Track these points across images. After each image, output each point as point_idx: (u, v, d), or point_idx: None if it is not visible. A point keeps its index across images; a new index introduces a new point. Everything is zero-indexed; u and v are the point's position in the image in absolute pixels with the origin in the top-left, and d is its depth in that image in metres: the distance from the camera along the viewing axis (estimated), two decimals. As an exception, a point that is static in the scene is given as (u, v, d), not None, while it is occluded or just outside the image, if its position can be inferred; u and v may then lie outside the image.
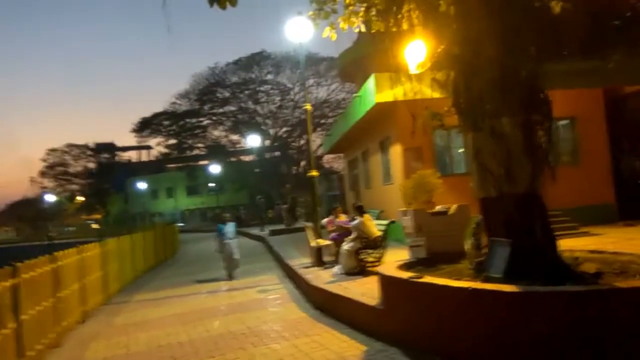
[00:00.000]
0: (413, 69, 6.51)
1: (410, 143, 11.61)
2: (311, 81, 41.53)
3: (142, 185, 56.52)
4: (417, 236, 6.55)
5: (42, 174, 62.50)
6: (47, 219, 61.51)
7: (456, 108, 5.04)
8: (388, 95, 11.29)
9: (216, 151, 49.22)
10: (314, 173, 10.72)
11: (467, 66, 4.93)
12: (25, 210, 65.40)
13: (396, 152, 12.76)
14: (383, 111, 12.63)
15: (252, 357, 5.34)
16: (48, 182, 62.90)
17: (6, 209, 72.80)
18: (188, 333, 6.82)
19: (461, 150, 12.71)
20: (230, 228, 11.84)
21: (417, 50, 6.49)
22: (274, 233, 22.29)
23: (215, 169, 48.00)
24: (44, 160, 62.51)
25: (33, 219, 62.06)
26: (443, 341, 4.50)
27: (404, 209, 7.19)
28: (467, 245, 5.87)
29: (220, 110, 48.90)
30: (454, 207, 6.78)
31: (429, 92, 5.87)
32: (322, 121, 42.88)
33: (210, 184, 55.44)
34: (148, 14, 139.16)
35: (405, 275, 5.07)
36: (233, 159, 50.21)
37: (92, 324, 8.37)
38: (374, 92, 11.95)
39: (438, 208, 6.94)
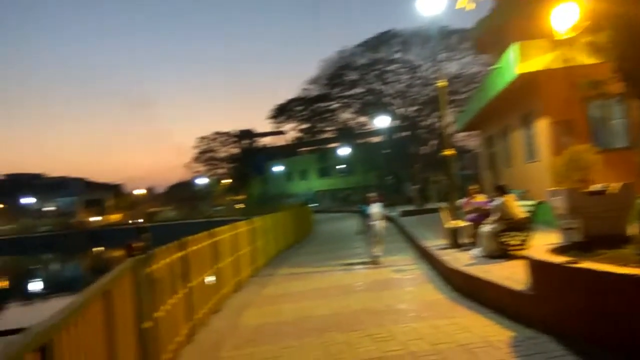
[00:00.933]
0: (562, 34, 5.89)
1: (559, 116, 10.57)
2: (442, 56, 39.87)
3: (278, 169, 60.27)
4: (571, 218, 5.98)
5: (194, 159, 70.01)
6: (199, 200, 69.19)
7: (621, 74, 4.45)
8: (533, 64, 10.37)
9: (345, 134, 50.27)
10: (450, 152, 10.36)
11: (635, 25, 4.31)
12: (182, 192, 74.24)
13: (542, 126, 11.72)
14: (526, 82, 11.65)
15: (392, 333, 5.44)
16: (199, 167, 70.27)
17: (167, 191, 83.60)
18: (328, 307, 7.18)
19: (619, 121, 11.19)
20: (375, 209, 11.14)
21: (567, 13, 5.86)
22: (404, 214, 22.16)
23: (344, 151, 49.05)
24: (195, 148, 69.92)
25: (188, 200, 70.16)
26: (602, 332, 4.11)
27: (554, 188, 6.61)
28: (633, 228, 5.21)
29: (349, 93, 49.61)
30: (615, 186, 6.03)
31: (582, 59, 5.28)
32: (454, 97, 41.03)
33: (340, 166, 56.92)
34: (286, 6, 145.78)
35: (559, 260, 4.69)
36: (362, 141, 50.78)
37: (244, 293, 9.24)
38: (516, 62, 11.07)
39: (595, 187, 6.24)
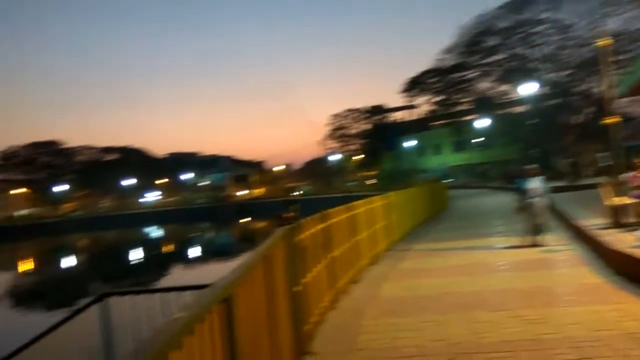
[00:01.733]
0: None
1: None
2: (601, 11, 34.97)
3: (410, 144, 59.28)
4: None
5: (327, 136, 72.29)
6: (333, 176, 71.63)
7: None
8: None
9: (483, 104, 47.20)
10: (613, 119, 9.14)
11: None
12: (317, 168, 77.52)
13: None
14: None
15: (545, 316, 5.08)
16: (332, 144, 72.43)
17: (303, 167, 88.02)
18: (471, 284, 6.95)
19: None
20: (535, 183, 9.73)
21: None
22: (555, 190, 20.24)
23: (482, 123, 46.19)
24: (328, 125, 72.06)
25: (323, 175, 73.04)
26: None
27: None
28: None
29: (488, 60, 46.26)
30: None
31: None
32: (616, 58, 35.76)
33: (477, 139, 53.89)
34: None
35: None
36: (502, 112, 47.27)
37: (381, 267, 9.39)
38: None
39: None
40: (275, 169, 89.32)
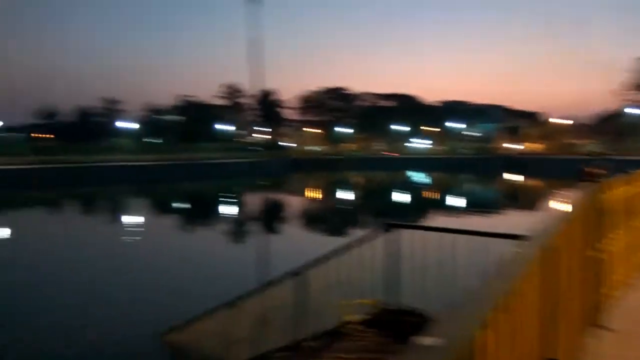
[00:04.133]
0: None
1: None
2: None
3: None
4: None
5: (629, 85, 59.77)
6: (627, 134, 59.45)
7: None
8: None
9: None
10: None
11: None
12: (608, 124, 65.60)
13: None
14: None
15: None
16: (635, 94, 59.65)
17: (590, 122, 75.51)
18: None
19: None
20: None
21: None
22: None
23: None
24: (632, 71, 59.30)
25: (616, 133, 61.49)
26: None
27: None
28: None
29: None
30: None
31: None
32: None
33: None
34: None
35: None
36: None
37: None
38: None
39: None
40: (553, 121, 79.57)
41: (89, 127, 71.07)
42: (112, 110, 76.98)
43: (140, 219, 24.77)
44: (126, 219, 25.37)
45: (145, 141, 67.94)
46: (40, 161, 49.91)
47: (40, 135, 69.26)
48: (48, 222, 24.94)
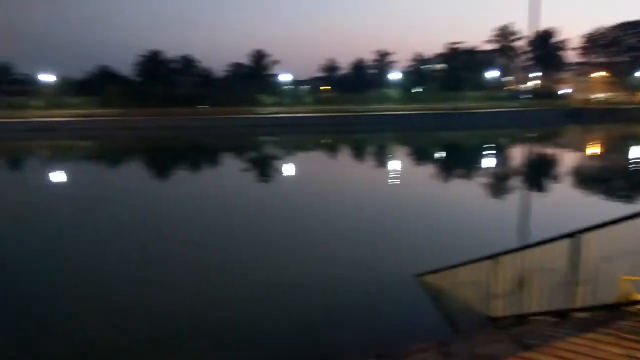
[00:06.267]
0: None
1: None
2: None
3: None
4: None
5: None
6: None
7: None
8: None
9: None
10: None
11: None
12: None
13: None
14: None
15: None
16: None
17: None
18: None
19: None
20: None
21: None
22: None
23: None
24: None
25: None
26: None
27: None
28: None
29: None
30: None
31: None
32: None
33: None
34: None
35: None
36: None
37: None
38: None
39: None
40: None
41: (363, 79, 77.08)
42: (383, 62, 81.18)
43: (403, 166, 26.18)
44: (391, 164, 27.19)
45: (411, 91, 70.05)
46: (322, 111, 57.66)
47: (323, 88, 79.16)
48: (324, 163, 28.86)
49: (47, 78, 61.99)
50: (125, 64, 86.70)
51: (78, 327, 6.72)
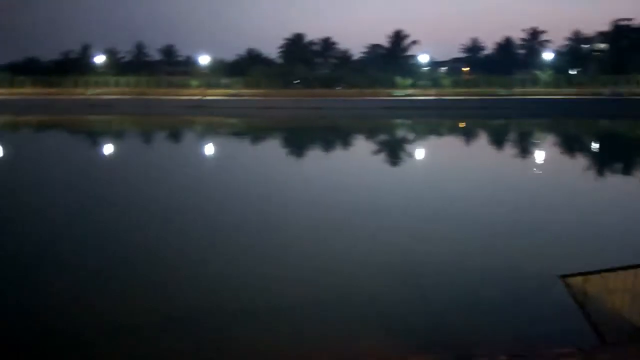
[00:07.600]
0: None
1: None
2: None
3: None
4: None
5: None
6: None
7: None
8: None
9: None
10: None
11: None
12: None
13: None
14: None
15: None
16: None
17: None
18: None
19: None
20: None
21: None
22: None
23: None
24: None
25: None
26: None
27: None
28: None
29: None
30: None
31: None
32: None
33: None
34: None
35: None
36: None
37: None
38: None
39: None
40: None
41: (509, 59, 71.08)
42: (534, 41, 73.76)
43: (547, 155, 24.14)
44: (537, 154, 25.12)
45: (567, 73, 62.96)
46: (461, 93, 55.24)
47: (464, 69, 74.91)
48: (467, 149, 27.68)
49: (204, 60, 68.43)
50: (271, 47, 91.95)
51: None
